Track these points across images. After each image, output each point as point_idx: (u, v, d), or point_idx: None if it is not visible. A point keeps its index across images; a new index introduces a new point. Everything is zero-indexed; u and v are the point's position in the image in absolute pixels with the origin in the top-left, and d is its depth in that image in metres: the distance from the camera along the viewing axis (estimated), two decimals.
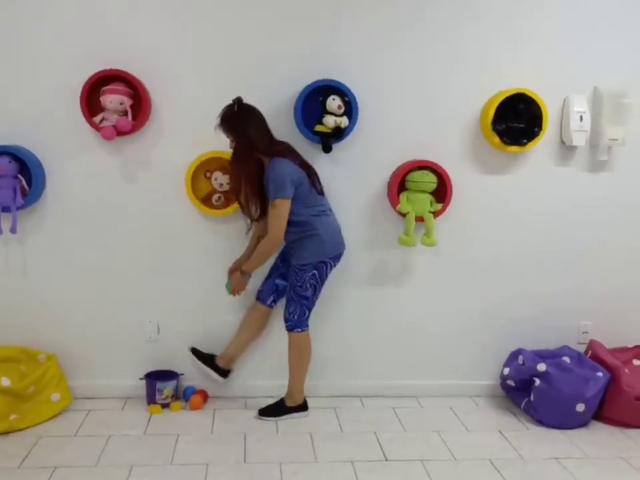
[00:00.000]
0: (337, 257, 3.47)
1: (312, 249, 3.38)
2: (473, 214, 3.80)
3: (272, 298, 3.62)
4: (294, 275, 3.43)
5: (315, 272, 3.40)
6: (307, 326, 3.50)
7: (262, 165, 3.38)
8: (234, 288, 3.52)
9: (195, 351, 3.67)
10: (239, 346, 3.68)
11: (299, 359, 3.53)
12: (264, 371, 3.79)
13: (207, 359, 3.66)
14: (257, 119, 3.32)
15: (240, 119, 3.28)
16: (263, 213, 3.46)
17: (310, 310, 3.49)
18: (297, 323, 3.46)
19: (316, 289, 3.45)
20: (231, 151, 3.36)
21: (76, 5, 3.44)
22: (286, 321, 3.49)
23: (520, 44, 3.68)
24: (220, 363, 3.66)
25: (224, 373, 3.67)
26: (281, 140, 3.42)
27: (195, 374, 3.74)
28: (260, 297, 3.64)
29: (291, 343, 3.51)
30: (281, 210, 3.27)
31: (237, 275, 3.49)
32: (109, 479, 2.88)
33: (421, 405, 3.81)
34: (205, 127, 3.47)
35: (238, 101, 3.30)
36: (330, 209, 3.49)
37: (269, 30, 3.55)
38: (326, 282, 3.49)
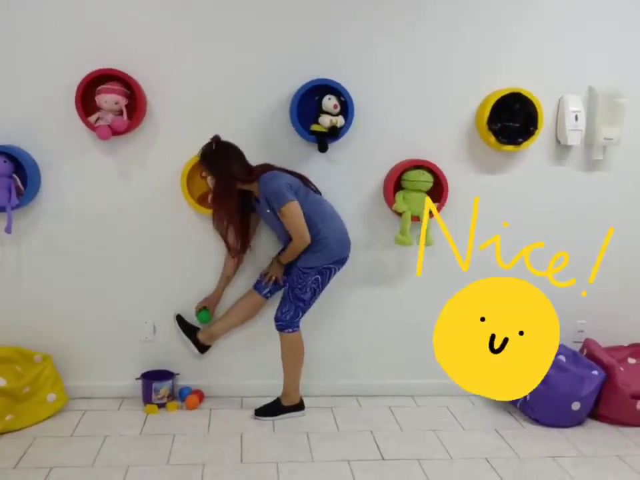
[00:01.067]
0: (342, 261, 3.47)
1: (319, 253, 3.38)
2: (469, 213, 3.78)
3: (268, 289, 3.61)
4: (296, 277, 3.42)
5: (319, 277, 3.40)
6: (298, 326, 3.49)
7: (246, 195, 3.44)
8: (272, 275, 3.52)
9: (179, 319, 3.68)
10: (224, 327, 3.67)
11: (292, 359, 3.53)
12: (260, 370, 3.78)
13: (190, 331, 3.67)
14: (235, 153, 3.36)
15: (219, 156, 3.33)
16: (243, 249, 3.55)
17: (304, 312, 3.49)
18: (288, 323, 3.46)
19: (315, 293, 3.45)
20: (212, 187, 3.45)
21: (71, 5, 3.43)
22: (277, 320, 3.48)
23: (515, 44, 3.69)
24: (201, 337, 3.66)
25: (203, 347, 3.68)
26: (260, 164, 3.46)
27: (191, 374, 3.74)
28: (257, 286, 3.63)
29: (282, 343, 3.51)
30: (292, 215, 3.29)
31: (276, 264, 3.51)
32: (105, 479, 2.87)
33: (418, 404, 3.81)
34: (200, 126, 3.47)
35: (216, 139, 3.34)
36: (332, 208, 3.50)
37: (264, 29, 3.54)
38: (327, 287, 3.50)
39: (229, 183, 3.34)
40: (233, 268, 3.65)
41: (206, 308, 3.67)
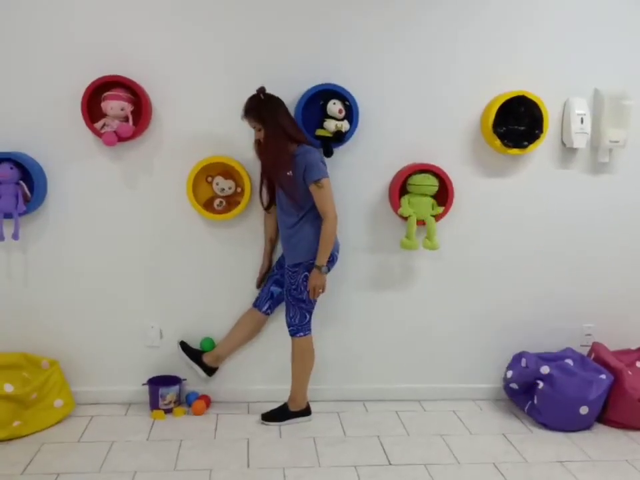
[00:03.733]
0: (329, 259, 3.40)
1: (304, 247, 3.35)
2: (475, 217, 3.80)
3: (267, 305, 3.61)
4: (288, 278, 3.42)
5: (307, 274, 3.37)
6: (310, 330, 3.49)
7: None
8: (313, 286, 3.35)
9: (183, 345, 3.68)
10: (228, 347, 3.68)
11: (302, 364, 3.52)
12: (267, 375, 3.78)
13: (194, 354, 3.67)
14: (283, 106, 3.35)
15: (268, 107, 3.30)
16: (271, 204, 3.52)
17: (310, 313, 3.48)
18: (298, 327, 3.45)
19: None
20: (252, 142, 3.41)
21: (77, 12, 3.45)
22: (288, 325, 3.49)
23: (520, 46, 3.68)
24: (207, 359, 3.66)
25: (210, 370, 3.68)
26: None
27: (197, 379, 3.74)
28: (256, 303, 3.63)
29: (294, 347, 3.50)
30: (328, 189, 3.28)
31: (314, 272, 3.33)
32: None
33: (424, 408, 3.80)
34: (206, 132, 3.49)
35: (262, 90, 3.31)
36: None
37: (269, 35, 3.55)
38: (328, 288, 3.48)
39: (280, 136, 3.28)
40: (273, 228, 3.60)
41: (209, 338, 3.72)
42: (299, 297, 3.41)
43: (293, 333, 3.48)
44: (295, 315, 3.44)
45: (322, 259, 3.32)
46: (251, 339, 3.71)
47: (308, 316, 3.47)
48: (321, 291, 3.37)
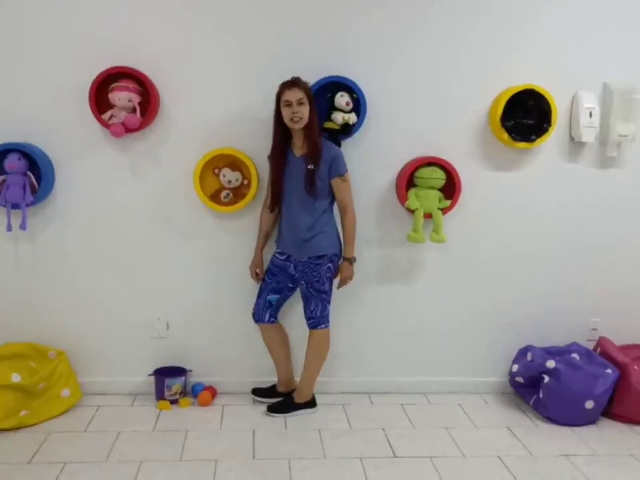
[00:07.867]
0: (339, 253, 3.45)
1: (327, 240, 3.39)
2: (482, 210, 3.79)
3: (268, 314, 3.56)
4: (309, 271, 3.40)
5: (330, 265, 3.40)
6: (329, 322, 3.49)
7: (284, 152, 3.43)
8: (345, 277, 3.47)
9: (255, 392, 3.71)
10: (281, 367, 3.69)
11: (319, 356, 3.52)
12: (273, 367, 3.77)
13: (269, 392, 3.69)
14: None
15: (312, 93, 3.36)
16: (277, 202, 3.48)
17: (329, 304, 3.47)
18: (320, 319, 3.44)
19: (332, 283, 3.44)
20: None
21: (85, 3, 3.45)
22: (309, 319, 3.46)
23: (529, 40, 3.66)
24: (280, 389, 3.70)
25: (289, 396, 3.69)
26: None
27: (203, 370, 3.76)
28: (257, 319, 3.59)
29: (313, 340, 3.49)
30: (349, 182, 3.40)
31: (346, 264, 3.44)
32: (119, 475, 2.89)
33: (430, 401, 3.81)
34: (213, 123, 3.49)
35: None
36: None
37: (277, 27, 3.54)
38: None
39: (316, 117, 3.35)
40: (270, 223, 3.58)
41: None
42: (321, 288, 3.41)
43: (314, 326, 3.46)
44: (316, 307, 3.43)
45: (351, 251, 3.43)
46: (288, 347, 3.69)
47: (328, 307, 3.46)
48: (349, 281, 3.47)
